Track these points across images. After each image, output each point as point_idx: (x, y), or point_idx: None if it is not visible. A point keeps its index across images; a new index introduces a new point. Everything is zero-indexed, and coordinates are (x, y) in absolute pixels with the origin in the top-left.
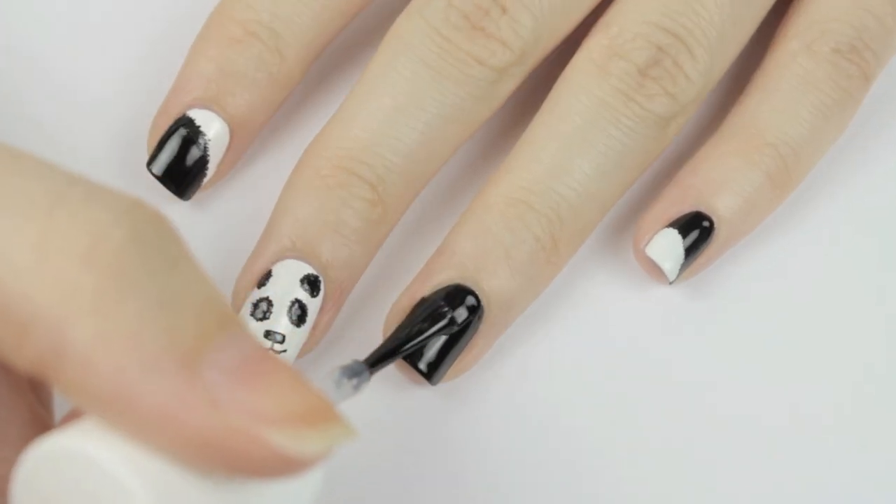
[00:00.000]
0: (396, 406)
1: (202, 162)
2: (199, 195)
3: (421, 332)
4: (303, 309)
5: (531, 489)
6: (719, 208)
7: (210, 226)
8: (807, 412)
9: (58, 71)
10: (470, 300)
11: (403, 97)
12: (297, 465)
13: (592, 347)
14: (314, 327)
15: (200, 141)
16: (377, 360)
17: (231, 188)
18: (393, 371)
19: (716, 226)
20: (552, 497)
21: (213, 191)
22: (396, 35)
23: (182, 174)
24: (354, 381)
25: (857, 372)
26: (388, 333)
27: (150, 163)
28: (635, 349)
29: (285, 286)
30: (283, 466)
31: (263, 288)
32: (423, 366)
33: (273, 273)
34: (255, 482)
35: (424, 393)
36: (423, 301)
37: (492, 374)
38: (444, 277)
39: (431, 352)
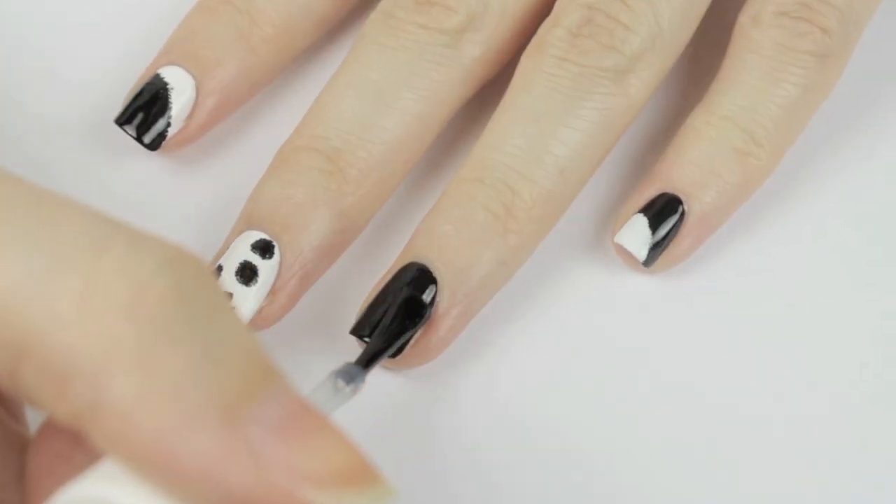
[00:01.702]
0: (376, 399)
1: (162, 108)
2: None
3: (404, 330)
4: (252, 270)
5: (513, 480)
6: (684, 185)
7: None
8: (801, 409)
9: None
10: (425, 278)
11: (357, 77)
12: None
13: (579, 343)
14: (274, 292)
15: (161, 90)
16: (369, 360)
17: (231, 190)
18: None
19: (683, 202)
20: (537, 488)
21: (212, 194)
22: (359, 34)
23: (143, 119)
24: (351, 385)
25: (854, 370)
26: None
27: (117, 119)
28: (627, 344)
29: (236, 253)
30: None
31: (220, 261)
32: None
33: (229, 247)
34: None
35: (402, 383)
36: (386, 289)
37: (484, 366)
38: (399, 264)
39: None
